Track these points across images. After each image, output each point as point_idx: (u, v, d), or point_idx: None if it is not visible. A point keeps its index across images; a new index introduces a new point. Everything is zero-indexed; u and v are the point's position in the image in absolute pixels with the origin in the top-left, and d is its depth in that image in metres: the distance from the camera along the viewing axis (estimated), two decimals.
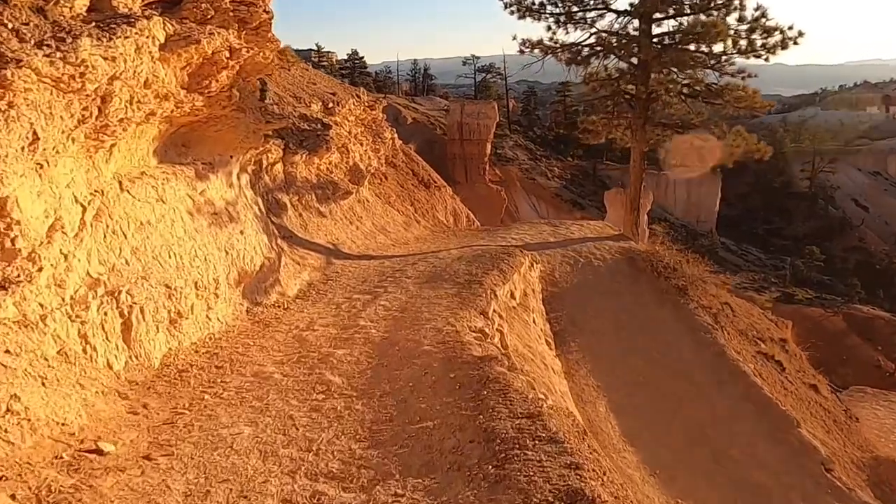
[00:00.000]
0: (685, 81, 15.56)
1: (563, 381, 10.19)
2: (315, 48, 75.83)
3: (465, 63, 76.12)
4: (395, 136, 19.29)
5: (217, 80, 7.97)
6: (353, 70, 70.49)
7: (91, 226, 6.39)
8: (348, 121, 16.86)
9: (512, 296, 10.89)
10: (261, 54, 8.52)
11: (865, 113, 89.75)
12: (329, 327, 8.42)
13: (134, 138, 7.36)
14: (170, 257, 7.38)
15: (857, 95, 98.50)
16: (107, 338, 6.19)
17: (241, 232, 9.27)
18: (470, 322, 8.15)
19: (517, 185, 62.71)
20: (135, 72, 6.40)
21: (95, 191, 6.58)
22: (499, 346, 8.09)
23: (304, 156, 13.75)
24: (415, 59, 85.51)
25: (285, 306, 9.63)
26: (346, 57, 75.92)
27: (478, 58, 75.98)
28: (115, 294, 6.34)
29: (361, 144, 17.07)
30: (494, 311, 9.09)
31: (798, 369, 15.01)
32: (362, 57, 75.56)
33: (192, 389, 6.30)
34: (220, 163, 9.38)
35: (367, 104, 18.71)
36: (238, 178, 10.02)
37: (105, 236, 6.55)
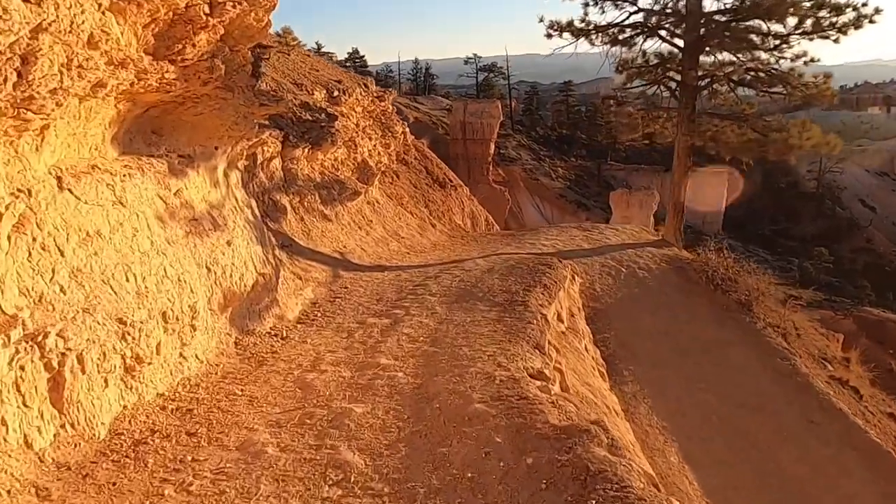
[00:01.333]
0: (741, 66, 13.60)
1: (626, 425, 8.25)
2: (315, 47, 73.99)
3: (466, 62, 74.95)
4: (407, 130, 17.37)
5: (193, 45, 6.04)
6: (353, 70, 68.72)
7: (9, 239, 4.47)
8: (355, 112, 14.93)
9: (559, 318, 8.96)
10: (252, 14, 6.58)
11: (867, 113, 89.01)
12: (340, 366, 6.48)
13: (79, 120, 5.43)
14: (128, 280, 5.44)
15: (858, 96, 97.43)
16: (24, 403, 4.26)
17: (229, 242, 7.33)
18: (525, 361, 6.21)
19: (521, 186, 61.33)
20: (72, 23, 4.47)
21: (18, 190, 4.65)
22: (560, 389, 6.19)
23: (306, 150, 11.82)
24: (416, 59, 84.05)
25: (284, 335, 7.70)
26: (346, 56, 74.20)
27: (480, 57, 74.75)
28: (40, 337, 4.41)
29: (370, 139, 15.14)
30: (549, 342, 7.16)
31: (871, 395, 13.06)
32: (363, 56, 73.91)
33: (148, 476, 4.37)
34: (201, 156, 7.44)
35: (375, 95, 16.79)
36: (225, 176, 8.08)
37: (30, 254, 4.62)
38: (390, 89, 16.88)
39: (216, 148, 7.78)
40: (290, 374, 6.36)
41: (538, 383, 5.74)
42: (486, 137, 55.42)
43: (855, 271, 60.53)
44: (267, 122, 10.41)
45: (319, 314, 8.72)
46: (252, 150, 9.65)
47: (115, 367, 4.97)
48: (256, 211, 8.95)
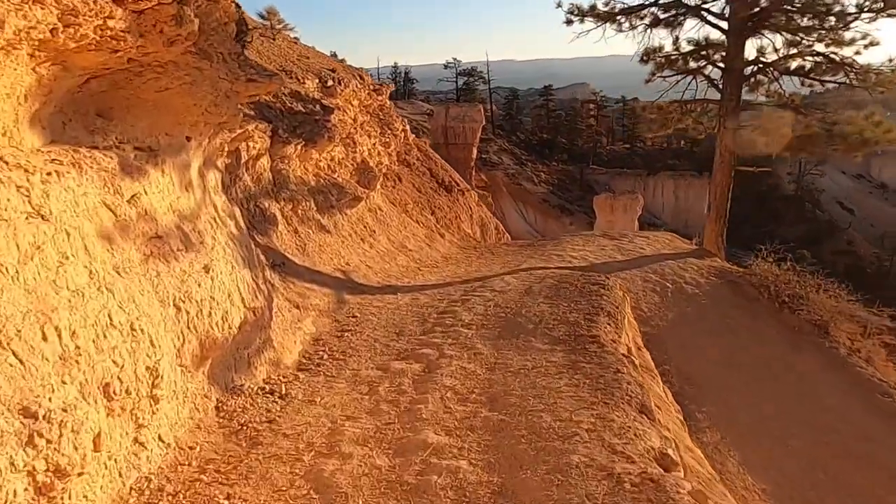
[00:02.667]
0: (798, 50, 11.90)
1: (722, 489, 6.35)
2: None
3: (446, 67, 74.01)
4: (408, 127, 15.41)
5: None
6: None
7: None
8: (352, 106, 12.95)
9: (629, 352, 7.06)
10: None
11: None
12: (369, 446, 4.50)
13: None
14: (45, 338, 3.40)
15: (830, 99, 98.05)
16: None
17: (207, 268, 5.30)
18: (644, 440, 4.29)
19: (503, 191, 60.39)
20: None
21: None
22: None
23: (298, 147, 9.81)
24: (395, 63, 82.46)
25: (283, 391, 5.68)
26: None
27: (459, 61, 74.00)
28: None
29: (369, 137, 13.15)
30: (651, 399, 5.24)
31: None
32: (342, 60, 72.04)
33: None
34: (168, 149, 5.41)
35: (371, 87, 14.81)
36: (201, 177, 6.04)
37: None
38: (387, 83, 14.86)
39: (188, 139, 5.75)
40: (299, 462, 4.36)
41: (672, 477, 3.82)
42: (468, 142, 54.61)
43: (836, 273, 60.56)
44: (252, 112, 8.39)
45: (326, 355, 6.71)
46: (235, 144, 7.63)
47: (11, 495, 2.93)
48: (242, 222, 6.92)
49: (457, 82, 72.96)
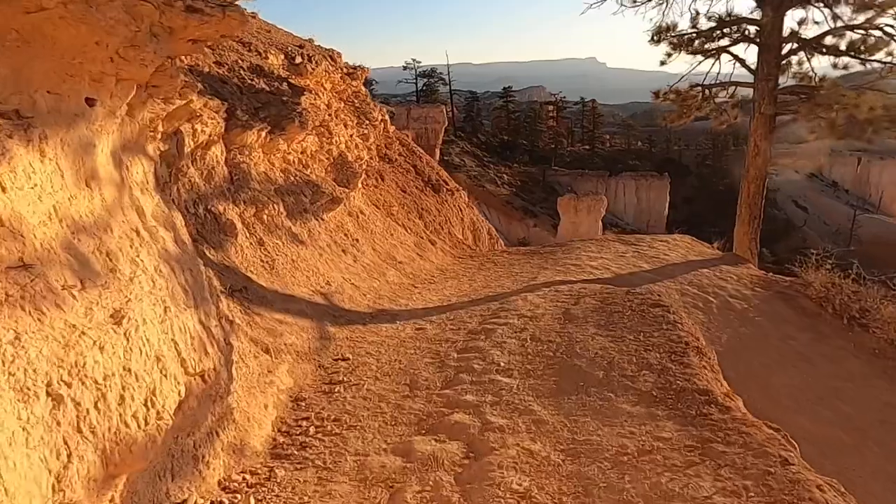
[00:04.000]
0: (842, 23, 10.23)
1: None
2: None
3: (405, 68, 72.97)
4: (388, 118, 13.26)
5: None
6: None
7: None
8: (324, 89, 10.76)
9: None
10: None
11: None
12: None
13: None
14: None
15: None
16: None
17: (117, 316, 3.09)
18: None
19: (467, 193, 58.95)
20: None
21: None
22: None
23: (262, 134, 7.60)
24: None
25: None
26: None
27: (419, 62, 73.26)
28: None
29: (346, 127, 10.96)
30: None
31: None
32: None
33: None
34: (51, 116, 3.17)
35: (345, 71, 12.63)
36: (117, 166, 3.82)
37: None
38: (362, 66, 12.74)
39: (90, 102, 3.51)
40: None
41: None
42: (430, 143, 53.87)
43: (793, 271, 61.15)
44: (198, 84, 6.15)
45: (313, 428, 4.55)
46: (175, 123, 5.39)
47: None
48: (184, 234, 4.70)
49: (417, 84, 71.94)
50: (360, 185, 10.43)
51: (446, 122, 63.36)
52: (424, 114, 59.68)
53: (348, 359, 5.90)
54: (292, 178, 8.43)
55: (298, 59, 9.96)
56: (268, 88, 8.30)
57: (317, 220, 8.60)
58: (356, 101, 12.72)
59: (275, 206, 7.60)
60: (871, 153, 78.15)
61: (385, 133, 13.02)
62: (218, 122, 6.61)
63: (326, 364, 5.77)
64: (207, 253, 5.99)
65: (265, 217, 7.34)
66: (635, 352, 5.41)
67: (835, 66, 11.54)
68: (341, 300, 7.41)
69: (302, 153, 9.11)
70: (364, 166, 10.90)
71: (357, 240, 9.33)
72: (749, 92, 11.88)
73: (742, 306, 9.40)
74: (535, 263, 10.84)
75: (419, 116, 58.34)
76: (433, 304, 8.03)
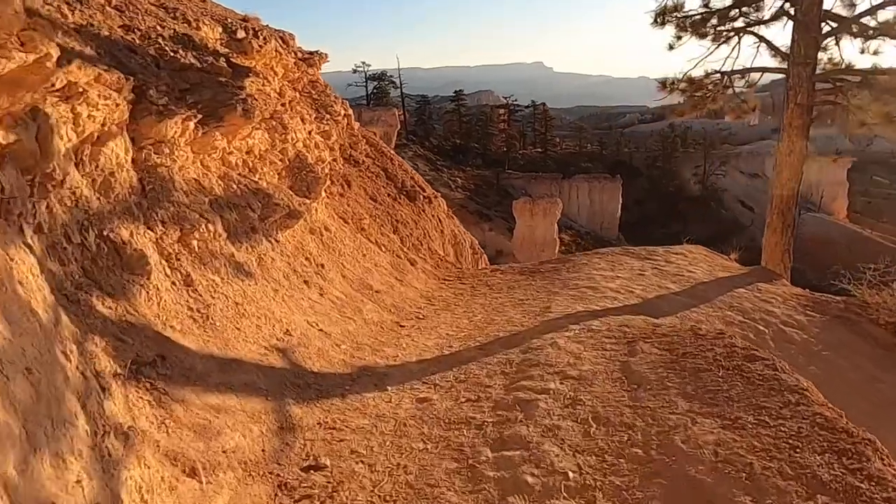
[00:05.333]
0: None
1: None
2: None
3: (355, 71, 71.30)
4: (351, 112, 11.10)
5: None
6: None
7: None
8: (275, 74, 8.57)
9: None
10: None
11: (724, 121, 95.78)
12: None
13: None
14: None
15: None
16: None
17: None
18: None
19: None
20: None
21: None
22: None
23: (190, 125, 5.38)
24: None
25: None
26: None
27: (369, 65, 71.98)
28: None
29: (303, 121, 8.77)
30: None
31: None
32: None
33: None
34: None
35: (299, 56, 10.45)
36: None
37: None
38: (319, 51, 10.64)
39: None
40: None
41: None
42: None
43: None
44: (88, 47, 3.91)
45: None
46: (26, 97, 3.19)
47: None
48: (35, 291, 2.52)
49: (367, 87, 70.16)
50: (323, 194, 8.26)
51: (399, 126, 61.92)
52: (376, 117, 58.32)
53: (324, 467, 3.78)
54: (235, 187, 6.22)
55: (242, 34, 7.74)
56: (199, 65, 6.08)
57: (269, 241, 6.42)
58: (314, 91, 10.53)
59: (210, 226, 5.39)
60: (811, 153, 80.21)
61: (349, 130, 10.85)
62: (118, 106, 4.39)
63: (291, 479, 3.65)
64: (98, 307, 3.77)
65: (195, 243, 5.13)
66: (777, 451, 3.48)
67: (862, 51, 10.04)
68: (307, 357, 5.26)
69: (248, 153, 6.90)
70: (327, 170, 8.72)
71: (322, 265, 7.17)
72: (766, 81, 10.26)
73: (801, 336, 7.66)
74: (540, 286, 8.88)
75: (371, 119, 56.86)
76: (430, 354, 5.96)
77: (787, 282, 9.75)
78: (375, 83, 70.92)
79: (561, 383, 4.79)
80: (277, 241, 6.58)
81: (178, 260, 4.84)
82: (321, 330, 5.84)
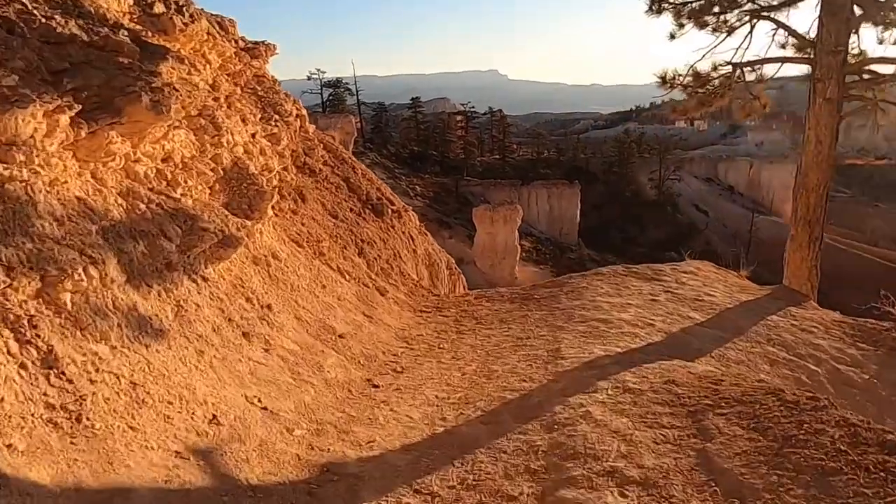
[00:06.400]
0: None
1: None
2: None
3: (309, 78, 69.77)
4: (305, 113, 9.39)
5: None
6: None
7: None
8: (208, 63, 6.83)
9: None
10: None
11: (675, 127, 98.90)
12: None
13: None
14: None
15: (665, 112, 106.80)
16: None
17: None
18: None
19: None
20: None
21: None
22: None
23: (63, 120, 3.61)
24: None
25: None
26: None
27: (323, 72, 70.27)
28: None
29: (245, 122, 7.03)
30: None
31: None
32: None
33: None
34: None
35: (242, 46, 8.73)
36: None
37: None
38: (268, 42, 8.93)
39: None
40: None
41: None
42: None
43: None
44: None
45: None
46: None
47: None
48: None
49: (322, 94, 68.54)
50: (270, 212, 6.52)
51: (356, 133, 60.56)
52: (332, 123, 56.80)
53: None
54: (144, 208, 4.48)
55: (160, 8, 5.99)
56: (86, 38, 4.33)
57: (194, 280, 4.69)
58: (260, 88, 8.79)
59: (95, 268, 3.64)
60: (761, 158, 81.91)
61: (303, 134, 9.11)
62: None
63: None
64: None
65: (68, 297, 3.38)
66: None
67: (881, 41, 8.89)
68: (243, 459, 3.56)
69: (165, 161, 5.15)
70: (275, 181, 7.01)
71: (269, 306, 5.45)
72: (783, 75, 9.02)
73: (860, 377, 6.32)
74: (539, 319, 7.32)
75: (327, 126, 55.07)
76: (419, 434, 4.32)
77: (815, 303, 8.47)
78: (331, 90, 69.92)
79: (621, 495, 3.22)
80: (205, 280, 4.84)
81: (35, 327, 3.10)
82: (266, 408, 4.13)
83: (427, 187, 61.94)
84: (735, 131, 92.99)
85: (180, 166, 5.31)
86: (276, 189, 6.93)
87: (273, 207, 6.91)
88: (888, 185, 75.96)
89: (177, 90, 5.03)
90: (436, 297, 8.62)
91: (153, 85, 4.74)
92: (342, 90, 71.15)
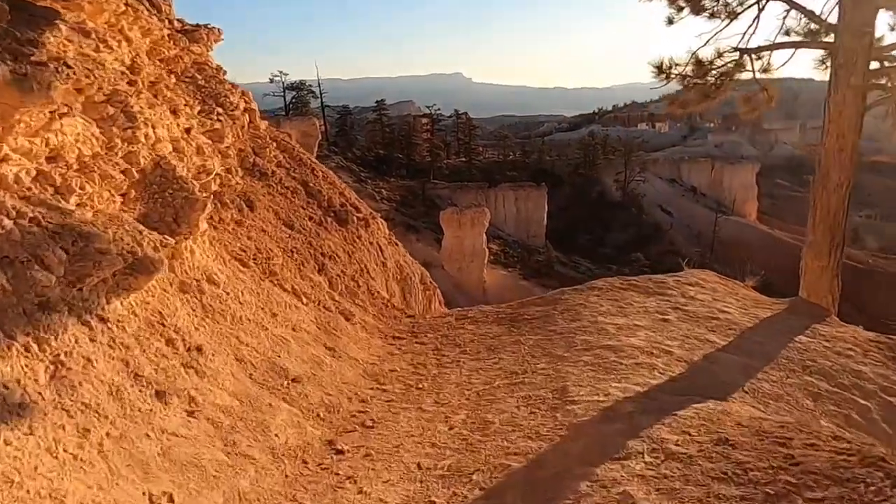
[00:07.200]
0: None
1: None
2: None
3: (272, 80, 68.31)
4: (255, 107, 8.08)
5: None
6: None
7: None
8: (127, 40, 5.51)
9: None
10: None
11: (637, 129, 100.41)
12: None
13: None
14: None
15: (629, 114, 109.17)
16: None
17: None
18: None
19: None
20: None
21: None
22: None
23: None
24: None
25: None
26: None
27: (286, 74, 68.85)
28: None
29: (175, 114, 5.74)
30: None
31: None
32: None
33: None
34: None
35: (177, 27, 7.41)
36: None
37: None
38: (211, 26, 7.57)
39: None
40: None
41: None
42: None
43: (665, 272, 63.22)
44: None
45: None
46: None
47: None
48: None
49: (285, 97, 66.82)
50: (204, 224, 5.23)
51: (320, 136, 59.26)
52: (295, 127, 55.34)
53: None
54: (8, 225, 3.19)
55: None
56: None
57: (85, 323, 3.41)
58: (200, 77, 7.48)
59: None
60: (722, 159, 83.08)
61: (253, 131, 7.82)
62: None
63: None
64: None
65: None
66: None
67: (892, 27, 8.05)
68: None
69: (53, 160, 3.84)
70: (214, 186, 5.72)
71: (199, 349, 4.18)
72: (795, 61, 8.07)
73: None
74: (535, 345, 6.18)
75: (290, 129, 53.52)
76: None
77: (837, 318, 7.53)
78: (294, 93, 68.35)
79: None
80: (104, 321, 3.56)
81: None
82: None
83: (393, 191, 61.31)
84: (695, 133, 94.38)
85: (76, 167, 4.01)
86: (215, 196, 5.64)
87: (211, 218, 5.62)
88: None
89: (69, 67, 3.74)
90: (410, 318, 7.41)
91: (30, 58, 3.46)
92: (306, 93, 69.97)
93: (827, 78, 7.49)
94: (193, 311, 4.56)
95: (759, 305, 7.60)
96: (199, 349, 4.23)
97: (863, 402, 5.36)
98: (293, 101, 68.12)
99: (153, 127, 4.94)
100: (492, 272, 53.85)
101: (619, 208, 75.64)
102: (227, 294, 5.05)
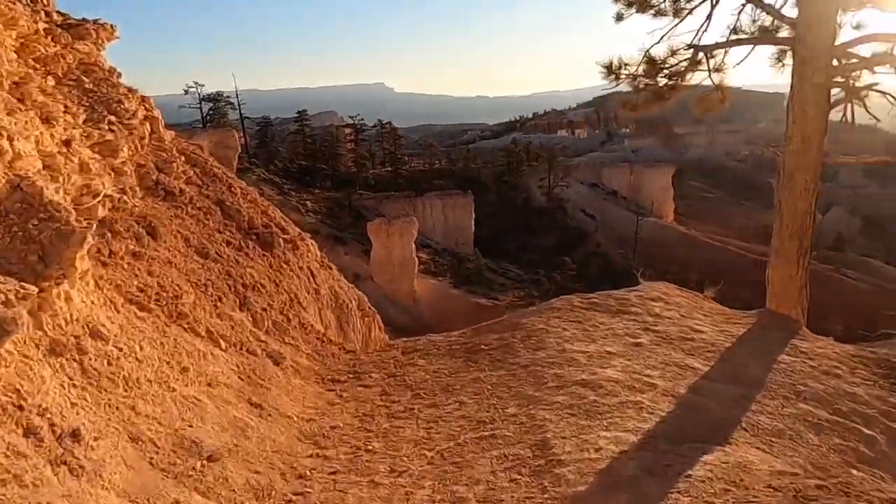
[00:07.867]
0: None
1: None
2: None
3: (186, 92, 65.51)
4: (159, 115, 6.89)
5: None
6: None
7: None
8: None
9: None
10: None
11: (557, 136, 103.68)
12: None
13: None
14: None
15: (549, 121, 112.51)
16: None
17: None
18: None
19: None
20: None
21: None
22: None
23: None
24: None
25: None
26: None
27: (202, 85, 66.18)
28: None
29: (47, 122, 4.56)
30: None
31: None
32: None
33: None
34: None
35: (57, 21, 6.16)
36: None
37: None
38: (104, 21, 6.31)
39: None
40: None
41: None
42: None
43: (592, 273, 64.72)
44: None
45: None
46: None
47: None
48: None
49: (202, 109, 63.93)
50: (85, 262, 4.09)
51: (239, 149, 57.12)
52: (212, 138, 53.31)
53: None
54: None
55: None
56: None
57: None
58: (88, 80, 6.24)
59: None
60: (641, 163, 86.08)
61: (156, 143, 6.62)
62: None
63: None
64: None
65: None
66: None
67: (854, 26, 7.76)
68: None
69: None
70: (103, 212, 4.56)
71: (75, 433, 3.09)
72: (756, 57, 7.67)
73: None
74: (500, 384, 5.34)
75: (206, 142, 51.45)
76: None
77: (807, 328, 7.11)
78: (211, 105, 65.65)
79: None
80: None
81: None
82: None
83: (319, 202, 59.94)
84: (612, 139, 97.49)
85: None
86: (104, 223, 4.49)
87: (99, 252, 4.46)
88: (748, 186, 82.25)
89: None
90: (350, 354, 6.41)
91: None
92: (223, 104, 67.43)
93: (783, 76, 7.09)
94: (70, 380, 3.43)
95: (730, 321, 7.08)
96: (74, 434, 3.12)
97: (867, 431, 4.83)
98: (210, 113, 65.58)
99: (10, 139, 3.77)
100: (422, 282, 53.24)
101: (544, 213, 77.04)
102: (120, 350, 3.93)
